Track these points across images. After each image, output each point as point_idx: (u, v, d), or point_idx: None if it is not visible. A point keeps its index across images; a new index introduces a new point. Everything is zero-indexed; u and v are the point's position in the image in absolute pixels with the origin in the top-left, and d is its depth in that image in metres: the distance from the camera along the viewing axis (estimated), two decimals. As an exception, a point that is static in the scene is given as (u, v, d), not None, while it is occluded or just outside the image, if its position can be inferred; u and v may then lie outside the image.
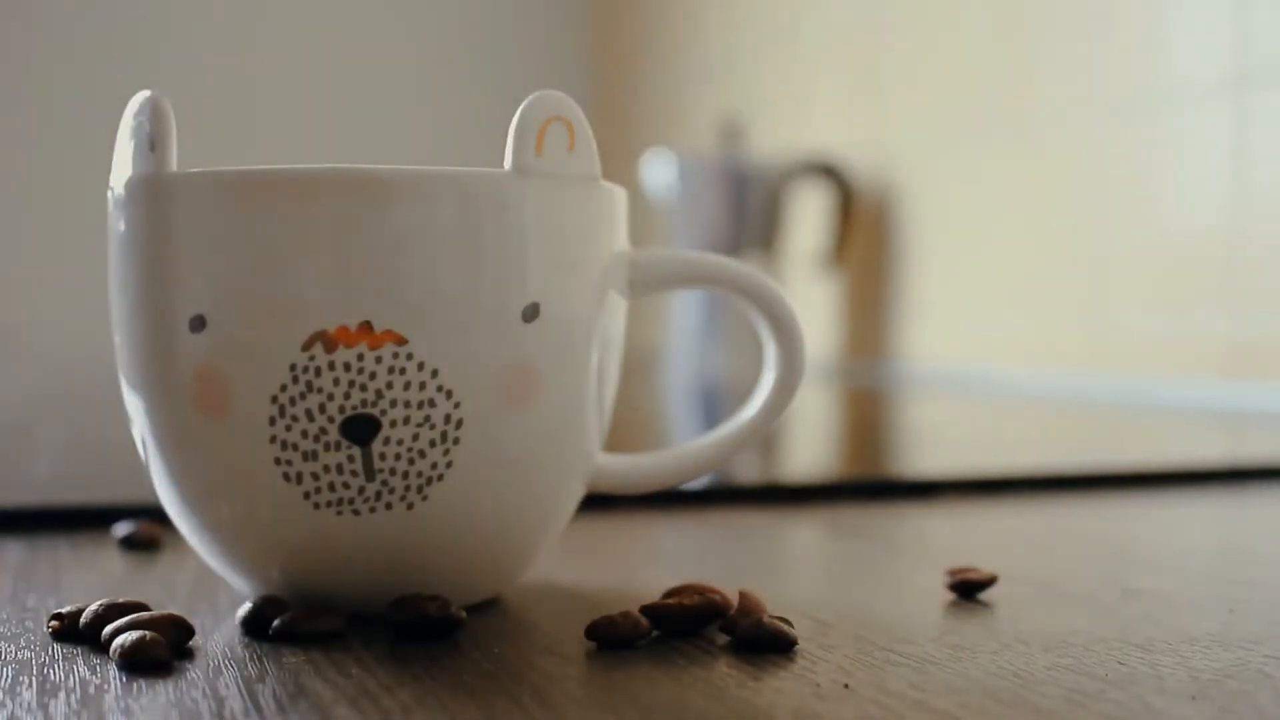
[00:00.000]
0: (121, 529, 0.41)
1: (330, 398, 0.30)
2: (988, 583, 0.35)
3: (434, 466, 0.31)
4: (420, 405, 0.30)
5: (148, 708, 0.25)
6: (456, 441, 0.31)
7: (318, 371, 0.30)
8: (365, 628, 0.31)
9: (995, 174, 1.28)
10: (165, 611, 0.29)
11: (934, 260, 1.36)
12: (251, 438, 0.30)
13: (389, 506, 0.31)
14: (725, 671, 0.27)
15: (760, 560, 0.43)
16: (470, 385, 0.30)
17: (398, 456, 0.30)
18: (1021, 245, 1.23)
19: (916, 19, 1.41)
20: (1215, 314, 1.01)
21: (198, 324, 0.30)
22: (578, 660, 0.28)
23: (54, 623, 0.30)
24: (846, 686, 0.26)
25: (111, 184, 0.32)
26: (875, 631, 0.31)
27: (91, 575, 0.37)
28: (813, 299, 1.50)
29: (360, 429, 0.30)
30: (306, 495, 0.30)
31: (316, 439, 0.30)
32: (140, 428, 0.32)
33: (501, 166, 0.31)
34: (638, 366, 1.14)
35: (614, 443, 0.36)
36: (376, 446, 0.30)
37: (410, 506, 0.31)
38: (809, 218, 1.50)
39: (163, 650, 0.27)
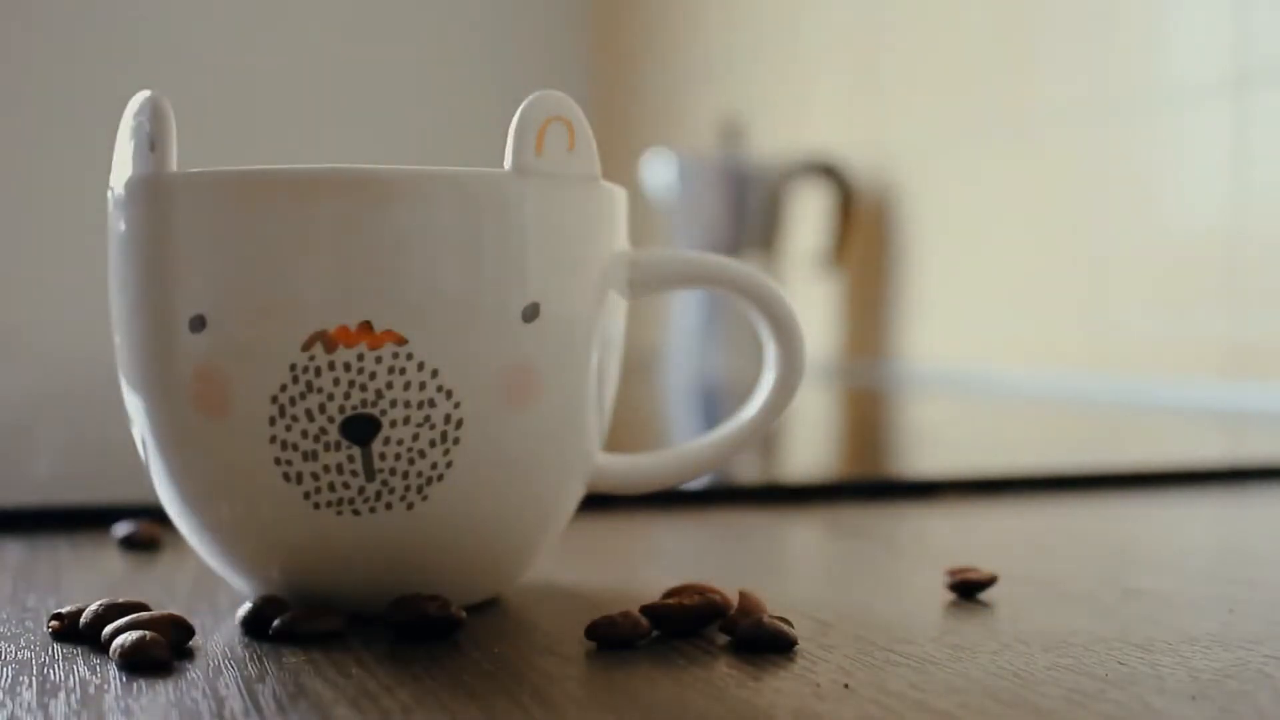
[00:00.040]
0: (121, 529, 0.41)
1: (330, 398, 0.30)
2: (988, 583, 0.35)
3: (434, 466, 0.31)
4: (420, 405, 0.30)
5: (148, 708, 0.25)
6: (456, 441, 0.31)
7: (318, 371, 0.30)
8: (365, 628, 0.31)
9: (995, 174, 1.28)
10: (165, 611, 0.29)
11: (934, 260, 1.36)
12: (251, 438, 0.30)
13: (389, 506, 0.31)
14: (725, 671, 0.27)
15: (760, 560, 0.43)
16: (470, 385, 0.30)
17: (398, 456, 0.30)
18: (1021, 245, 1.23)
19: (916, 19, 1.41)
20: (1215, 314, 1.01)
21: (198, 324, 0.30)
22: (578, 660, 0.28)
23: (54, 623, 0.30)
24: (846, 686, 0.26)
25: (111, 184, 0.32)
26: (875, 631, 0.31)
27: (91, 575, 0.37)
28: (813, 299, 1.50)
29: (360, 429, 0.30)
30: (306, 495, 0.30)
31: (316, 439, 0.30)
32: (140, 428, 0.32)
33: (501, 166, 0.31)
34: (638, 366, 1.14)
35: (614, 443, 0.36)
36: (376, 446, 0.30)
37: (410, 506, 0.31)
38: (809, 218, 1.50)
39: (163, 650, 0.27)
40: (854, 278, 1.47)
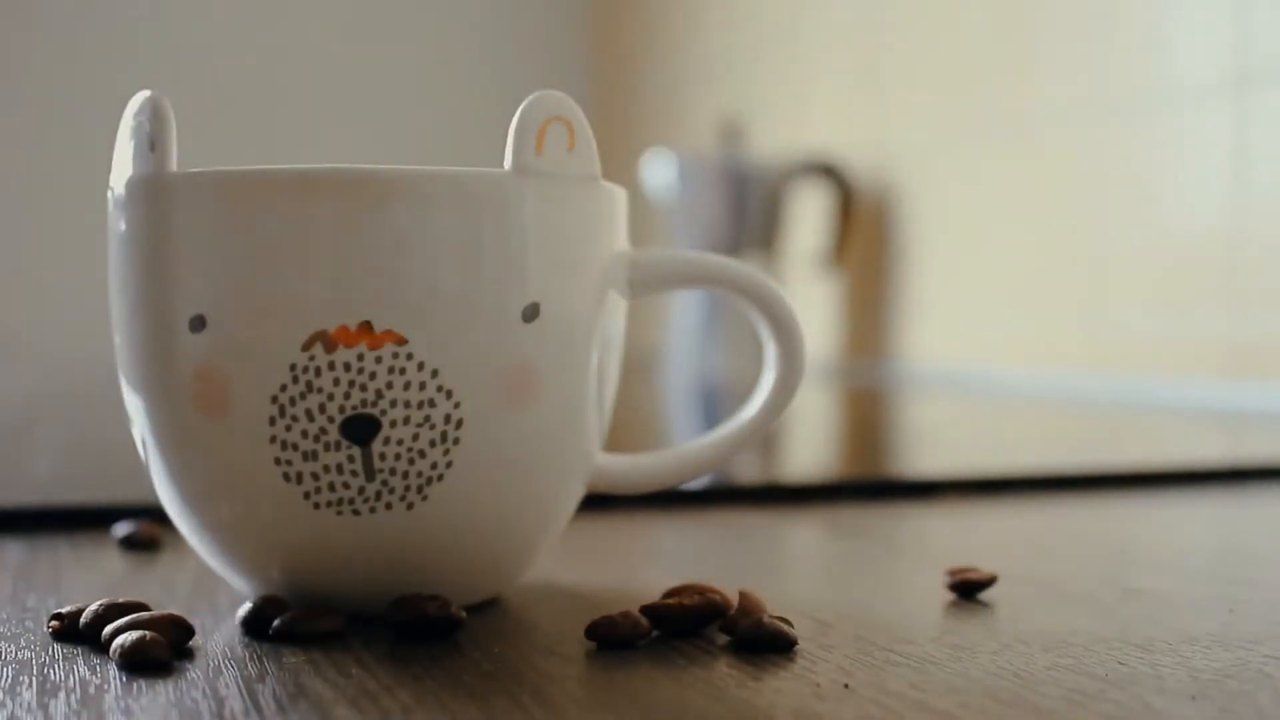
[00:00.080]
0: (121, 529, 0.41)
1: (330, 398, 0.30)
2: (988, 583, 0.35)
3: (434, 466, 0.31)
4: (420, 405, 0.30)
5: (148, 708, 0.25)
6: (456, 441, 0.31)
7: (318, 371, 0.30)
8: (365, 628, 0.31)
9: (995, 174, 1.28)
10: (165, 611, 0.29)
11: (934, 260, 1.36)
12: (251, 438, 0.30)
13: (389, 506, 0.31)
14: (725, 671, 0.27)
15: (760, 560, 0.43)
16: (470, 385, 0.30)
17: (398, 456, 0.30)
18: (1021, 245, 1.23)
19: (916, 19, 1.41)
20: (1215, 314, 1.01)
21: (198, 324, 0.30)
22: (578, 660, 0.28)
23: (54, 623, 0.30)
24: (846, 686, 0.26)
25: (111, 184, 0.32)
26: (875, 631, 0.31)
27: (91, 575, 0.37)
28: (813, 299, 1.50)
29: (360, 429, 0.30)
30: (306, 495, 0.30)
31: (316, 439, 0.30)
32: (140, 428, 0.32)
33: (501, 166, 0.31)
34: (638, 366, 1.14)
35: (614, 443, 0.36)
36: (376, 446, 0.30)
37: (410, 506, 0.31)
38: (809, 218, 1.50)
39: (163, 650, 0.27)
40: (854, 278, 1.47)
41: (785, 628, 0.29)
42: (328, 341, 0.30)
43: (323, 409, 0.30)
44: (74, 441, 0.73)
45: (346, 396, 0.30)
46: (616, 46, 2.16)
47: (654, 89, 2.03)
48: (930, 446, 0.80)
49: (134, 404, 0.32)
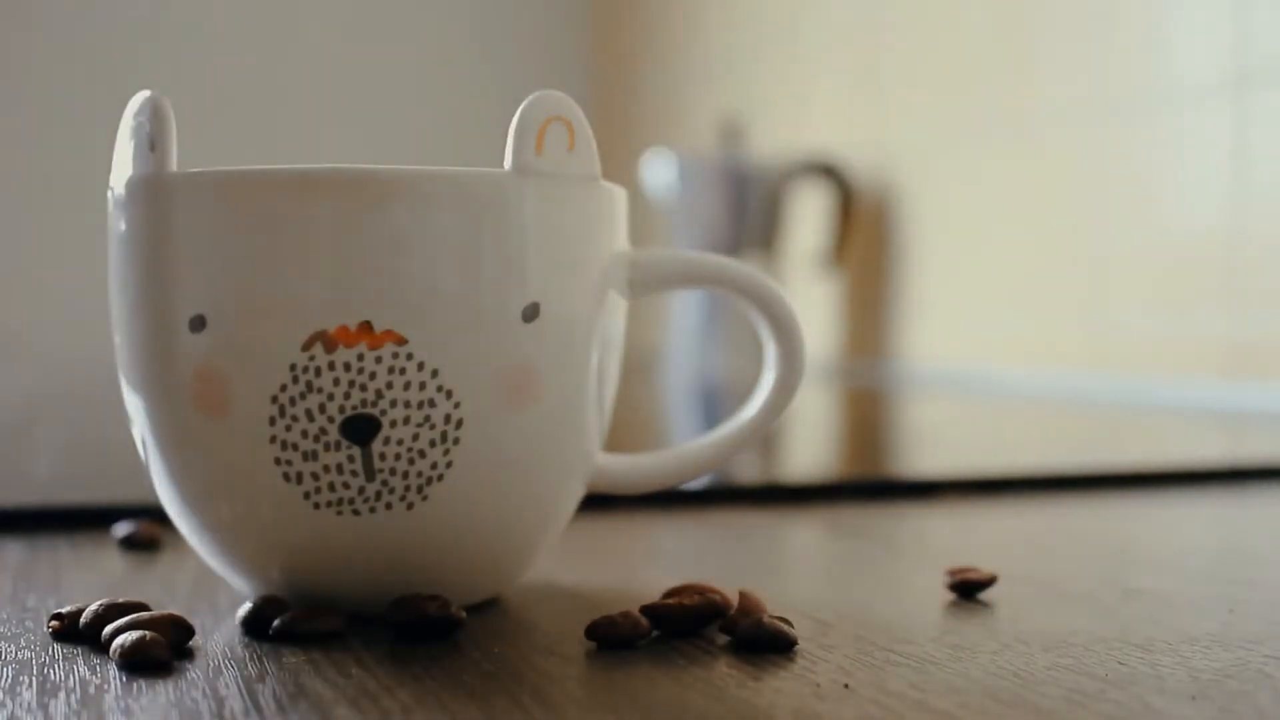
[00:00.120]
0: (121, 529, 0.41)
1: (330, 398, 0.30)
2: (988, 583, 0.35)
3: (434, 466, 0.31)
4: (420, 405, 0.30)
5: (148, 708, 0.25)
6: (456, 441, 0.31)
7: (318, 371, 0.30)
8: (365, 628, 0.31)
9: (995, 174, 1.28)
10: (165, 611, 0.29)
11: (934, 260, 1.36)
12: (251, 438, 0.30)
13: (389, 506, 0.31)
14: (725, 671, 0.27)
15: (760, 560, 0.43)
16: (470, 385, 0.30)
17: (398, 456, 0.30)
18: (1021, 245, 1.23)
19: (916, 19, 1.41)
20: (1215, 314, 1.01)
21: (198, 324, 0.30)
22: (578, 660, 0.28)
23: (54, 623, 0.30)
24: (846, 686, 0.26)
25: (111, 184, 0.32)
26: (875, 631, 0.31)
27: (91, 575, 0.37)
28: (813, 299, 1.50)
29: (360, 429, 0.30)
30: (306, 495, 0.30)
31: (316, 439, 0.30)
32: (140, 428, 0.32)
33: (501, 166, 0.31)
34: (638, 366, 1.14)
35: (614, 443, 0.36)
36: (376, 446, 0.30)
37: (410, 506, 0.31)
38: (809, 218, 1.50)
39: (163, 650, 0.27)
40: (854, 278, 1.47)
41: (785, 628, 0.29)
42: (328, 341, 0.30)
43: (323, 409, 0.30)
44: (74, 441, 0.73)
45: (346, 396, 0.30)
46: (616, 46, 2.16)
47: (654, 89, 2.03)
48: (930, 446, 0.80)
49: (134, 404, 0.32)
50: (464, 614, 0.30)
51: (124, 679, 0.27)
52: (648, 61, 2.06)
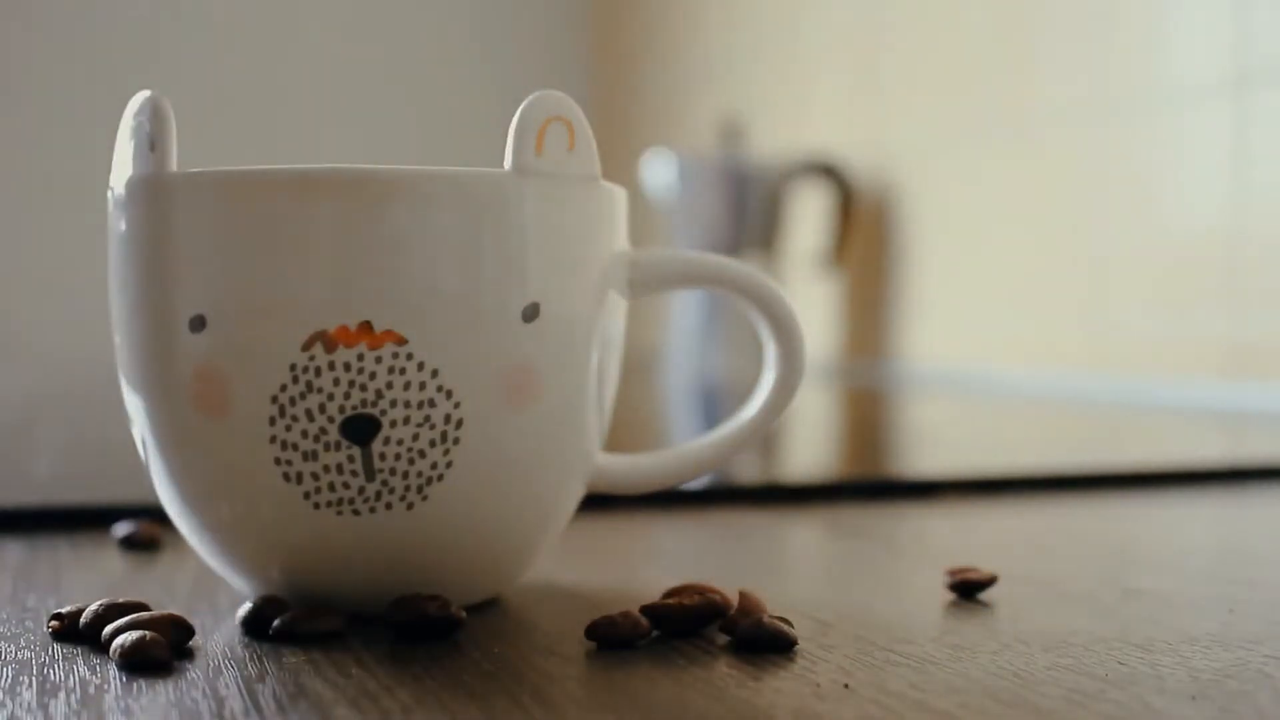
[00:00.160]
0: (121, 529, 0.41)
1: (330, 398, 0.30)
2: (988, 583, 0.35)
3: (434, 466, 0.31)
4: (420, 405, 0.30)
5: (148, 708, 0.25)
6: (456, 441, 0.31)
7: (318, 371, 0.30)
8: (365, 628, 0.31)
9: (995, 174, 1.28)
10: (165, 611, 0.29)
11: (934, 260, 1.36)
12: (251, 438, 0.30)
13: (389, 506, 0.31)
14: (725, 671, 0.27)
15: (760, 560, 0.43)
16: (470, 385, 0.30)
17: (398, 456, 0.30)
18: (1021, 245, 1.23)
19: (916, 19, 1.41)
20: (1215, 314, 1.01)
21: (198, 324, 0.30)
22: (578, 660, 0.28)
23: (54, 623, 0.30)
24: (846, 686, 0.26)
25: (111, 184, 0.32)
26: (875, 631, 0.31)
27: (91, 575, 0.37)
28: (813, 299, 1.50)
29: (360, 429, 0.30)
30: (306, 495, 0.30)
31: (316, 439, 0.30)
32: (140, 428, 0.32)
33: (501, 166, 0.31)
34: (638, 366, 1.14)
35: (614, 443, 0.36)
36: (376, 446, 0.30)
37: (410, 506, 0.31)
38: (809, 218, 1.50)
39: (163, 650, 0.27)
40: (854, 278, 1.47)
41: (785, 628, 0.29)
42: (328, 341, 0.30)
43: (323, 409, 0.30)
44: (74, 441, 0.73)
45: (346, 396, 0.30)
46: (616, 46, 2.16)
47: (654, 89, 2.03)
48: (930, 446, 0.80)
49: (134, 404, 0.32)
50: (464, 614, 0.30)
51: (124, 679, 0.27)
52: (648, 61, 2.06)
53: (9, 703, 0.25)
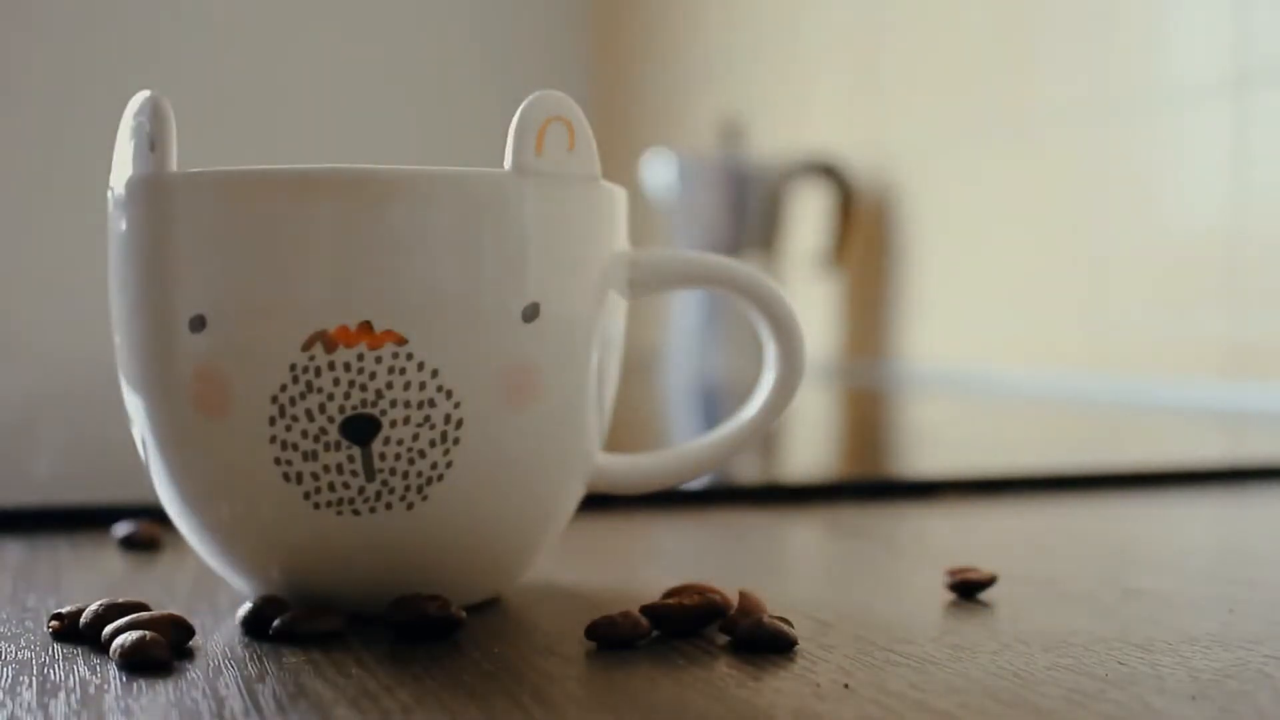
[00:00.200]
0: (121, 529, 0.41)
1: (330, 398, 0.30)
2: (988, 583, 0.35)
3: (434, 466, 0.31)
4: (420, 405, 0.30)
5: (148, 708, 0.25)
6: (456, 441, 0.31)
7: (318, 371, 0.30)
8: (365, 628, 0.31)
9: (995, 174, 1.28)
10: (165, 611, 0.29)
11: (934, 260, 1.36)
12: (251, 438, 0.30)
13: (389, 506, 0.31)
14: (725, 671, 0.27)
15: (760, 560, 0.43)
16: (470, 385, 0.30)
17: (398, 456, 0.30)
18: (1021, 245, 1.23)
19: (916, 19, 1.41)
20: (1215, 314, 1.01)
21: (198, 324, 0.30)
22: (578, 660, 0.28)
23: (54, 623, 0.30)
24: (846, 686, 0.26)
25: (111, 184, 0.32)
26: (875, 631, 0.31)
27: (91, 575, 0.37)
28: (813, 299, 1.50)
29: (360, 429, 0.30)
30: (306, 495, 0.30)
31: (316, 439, 0.30)
32: (140, 428, 0.32)
33: (501, 166, 0.31)
34: (638, 366, 1.14)
35: (614, 443, 0.36)
36: (376, 446, 0.30)
37: (410, 506, 0.31)
38: (809, 218, 1.50)
39: (163, 650, 0.27)
40: (854, 278, 1.47)
41: (785, 628, 0.29)
42: (328, 341, 0.30)
43: (323, 409, 0.30)
44: (74, 441, 0.73)
45: (346, 396, 0.30)
46: (616, 46, 2.16)
47: (654, 89, 2.03)
48: (930, 446, 0.80)
49: (134, 404, 0.32)
50: (464, 614, 0.30)
51: (124, 679, 0.27)
52: (648, 61, 2.06)
53: (9, 703, 0.25)
